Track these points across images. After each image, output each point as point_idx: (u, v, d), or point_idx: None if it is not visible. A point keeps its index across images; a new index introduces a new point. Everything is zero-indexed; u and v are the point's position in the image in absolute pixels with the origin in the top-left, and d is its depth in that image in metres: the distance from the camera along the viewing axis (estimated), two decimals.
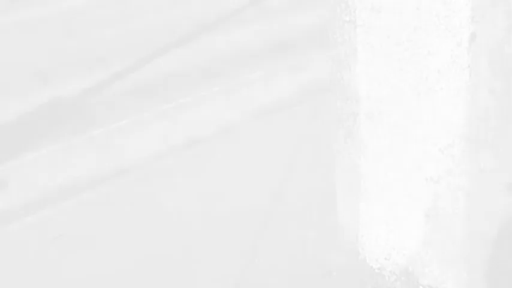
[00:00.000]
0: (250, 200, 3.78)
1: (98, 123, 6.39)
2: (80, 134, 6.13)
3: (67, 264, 3.78)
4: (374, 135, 3.08)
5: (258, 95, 6.23)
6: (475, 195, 2.68)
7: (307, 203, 4.10)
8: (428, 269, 3.06)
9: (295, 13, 9.63)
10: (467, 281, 2.87)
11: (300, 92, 5.98)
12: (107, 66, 8.32)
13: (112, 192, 4.61)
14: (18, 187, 5.17)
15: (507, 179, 2.51)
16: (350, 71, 3.06)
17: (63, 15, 11.94)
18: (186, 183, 4.61)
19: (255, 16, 9.83)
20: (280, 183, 4.37)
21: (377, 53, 2.89)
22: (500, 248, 2.66)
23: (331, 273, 3.38)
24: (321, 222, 3.87)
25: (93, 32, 10.08)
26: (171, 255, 3.73)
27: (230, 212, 4.09)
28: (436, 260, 3.00)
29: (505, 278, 2.67)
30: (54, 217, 4.36)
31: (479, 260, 2.78)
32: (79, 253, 3.88)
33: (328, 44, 3.19)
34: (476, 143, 2.59)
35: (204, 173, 4.72)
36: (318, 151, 4.58)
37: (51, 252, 3.93)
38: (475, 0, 2.39)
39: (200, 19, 10.24)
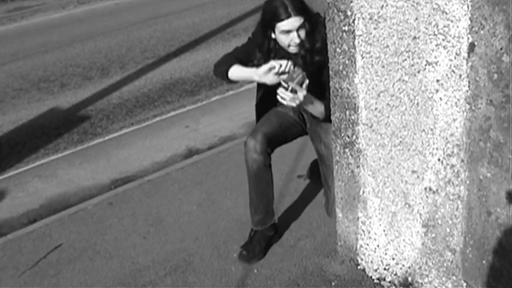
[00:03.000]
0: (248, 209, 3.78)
1: (97, 133, 6.39)
2: (79, 144, 6.14)
3: (65, 275, 3.77)
4: (373, 145, 3.08)
5: None
6: (474, 206, 2.68)
7: (305, 212, 4.10)
8: (428, 279, 3.06)
9: None
10: None
11: None
12: (106, 76, 8.33)
13: (111, 202, 4.60)
14: (16, 197, 5.16)
15: (506, 189, 2.51)
16: (349, 81, 3.06)
17: (63, 24, 11.97)
18: (186, 193, 4.60)
19: (253, 27, 9.85)
20: (280, 192, 4.37)
21: (376, 63, 2.90)
22: (500, 258, 2.66)
23: (330, 283, 3.38)
24: (320, 232, 3.87)
25: (93, 42, 10.10)
26: (170, 265, 3.72)
27: (229, 221, 4.08)
28: (435, 270, 3.00)
29: None
30: (53, 227, 4.35)
31: (478, 271, 2.77)
32: (78, 263, 3.87)
33: (328, 54, 3.19)
34: (476, 153, 2.59)
35: (204, 183, 4.72)
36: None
37: (49, 262, 3.92)
38: (474, 10, 2.40)
39: (198, 29, 10.28)
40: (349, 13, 2.92)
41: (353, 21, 2.92)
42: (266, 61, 3.49)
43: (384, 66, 2.86)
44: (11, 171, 5.67)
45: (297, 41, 3.39)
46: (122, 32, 10.56)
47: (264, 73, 3.41)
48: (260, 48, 3.58)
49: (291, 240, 3.83)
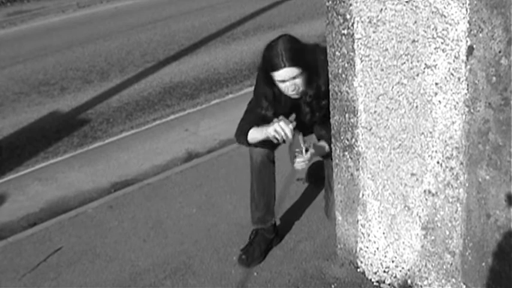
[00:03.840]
0: (249, 212, 3.79)
1: (96, 137, 6.40)
2: (79, 147, 6.14)
3: (65, 278, 3.77)
4: (372, 148, 3.08)
5: None
6: (474, 208, 2.69)
7: (305, 215, 4.11)
8: (427, 281, 3.06)
9: (293, 26, 9.67)
10: None
11: None
12: (106, 79, 8.34)
13: (111, 205, 4.61)
14: (16, 201, 5.17)
15: (505, 192, 2.52)
16: (348, 84, 3.07)
17: (63, 28, 11.98)
18: (186, 196, 4.61)
19: (253, 30, 9.87)
20: (280, 194, 4.38)
21: (375, 66, 2.90)
22: (499, 261, 2.66)
23: (330, 286, 3.38)
24: (320, 234, 3.87)
25: (92, 46, 10.11)
26: (170, 268, 3.72)
27: (228, 224, 4.09)
28: (434, 273, 3.00)
29: None
30: (53, 230, 4.35)
31: (478, 273, 2.78)
32: (78, 266, 3.87)
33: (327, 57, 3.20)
34: (475, 156, 2.60)
35: (204, 186, 4.72)
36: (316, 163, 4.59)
37: (49, 265, 3.93)
38: (472, 14, 2.41)
39: (197, 33, 10.29)
40: (348, 16, 2.93)
41: (352, 25, 2.93)
42: (273, 108, 3.53)
43: (383, 70, 2.87)
44: (11, 175, 5.67)
45: (292, 90, 3.38)
46: (122, 36, 10.57)
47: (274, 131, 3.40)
48: (266, 96, 3.57)
49: (291, 243, 3.83)
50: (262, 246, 3.73)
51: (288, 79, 3.33)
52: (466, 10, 2.42)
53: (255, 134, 3.51)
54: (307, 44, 3.49)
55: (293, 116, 3.48)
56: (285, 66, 3.29)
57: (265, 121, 3.49)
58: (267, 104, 3.56)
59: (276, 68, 3.32)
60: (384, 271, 3.30)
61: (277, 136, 3.37)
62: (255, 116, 3.60)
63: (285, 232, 3.94)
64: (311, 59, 3.39)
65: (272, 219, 3.78)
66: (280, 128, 3.35)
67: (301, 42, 3.45)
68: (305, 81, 3.39)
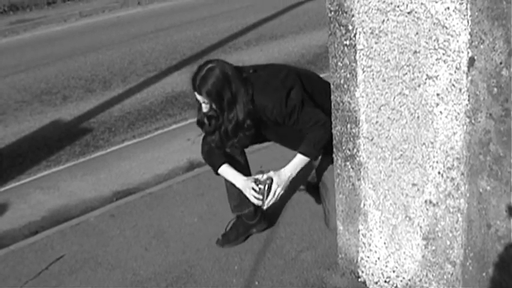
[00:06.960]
0: None
1: (98, 146, 6.41)
2: (81, 156, 6.15)
3: (67, 286, 3.78)
4: (373, 158, 3.10)
5: None
6: (474, 218, 2.70)
7: (306, 224, 4.11)
8: None
9: (294, 37, 9.70)
10: None
11: None
12: (108, 88, 8.36)
13: (113, 214, 4.62)
14: (18, 209, 5.17)
15: (506, 202, 2.53)
16: (350, 95, 3.09)
17: (65, 37, 12.01)
18: (187, 205, 4.62)
19: (255, 40, 9.89)
20: (281, 204, 4.38)
21: (377, 77, 2.92)
22: (500, 271, 2.67)
23: None
24: (321, 244, 3.88)
25: (95, 55, 10.13)
26: (171, 277, 3.73)
27: None
28: (435, 283, 3.01)
29: None
30: (55, 239, 4.36)
31: (478, 283, 2.79)
32: (80, 274, 3.88)
33: (329, 68, 3.22)
34: (475, 167, 2.61)
35: (205, 195, 4.73)
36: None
37: (51, 273, 3.93)
38: (474, 25, 2.42)
39: (199, 42, 10.31)
40: (350, 27, 2.95)
41: (354, 36, 2.95)
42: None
43: (384, 80, 2.89)
44: (13, 183, 5.68)
45: (205, 109, 3.70)
46: (124, 45, 10.60)
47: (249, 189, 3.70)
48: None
49: (292, 252, 3.84)
50: (240, 230, 4.00)
51: (201, 101, 3.66)
52: (468, 22, 2.44)
53: (226, 175, 3.85)
54: (233, 76, 3.62)
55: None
56: (195, 91, 3.63)
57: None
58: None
59: (193, 89, 3.66)
60: (385, 281, 3.30)
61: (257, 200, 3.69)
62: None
63: (286, 242, 3.95)
64: (224, 93, 3.59)
65: (249, 207, 3.92)
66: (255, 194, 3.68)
67: (228, 73, 3.60)
68: (219, 107, 3.64)
